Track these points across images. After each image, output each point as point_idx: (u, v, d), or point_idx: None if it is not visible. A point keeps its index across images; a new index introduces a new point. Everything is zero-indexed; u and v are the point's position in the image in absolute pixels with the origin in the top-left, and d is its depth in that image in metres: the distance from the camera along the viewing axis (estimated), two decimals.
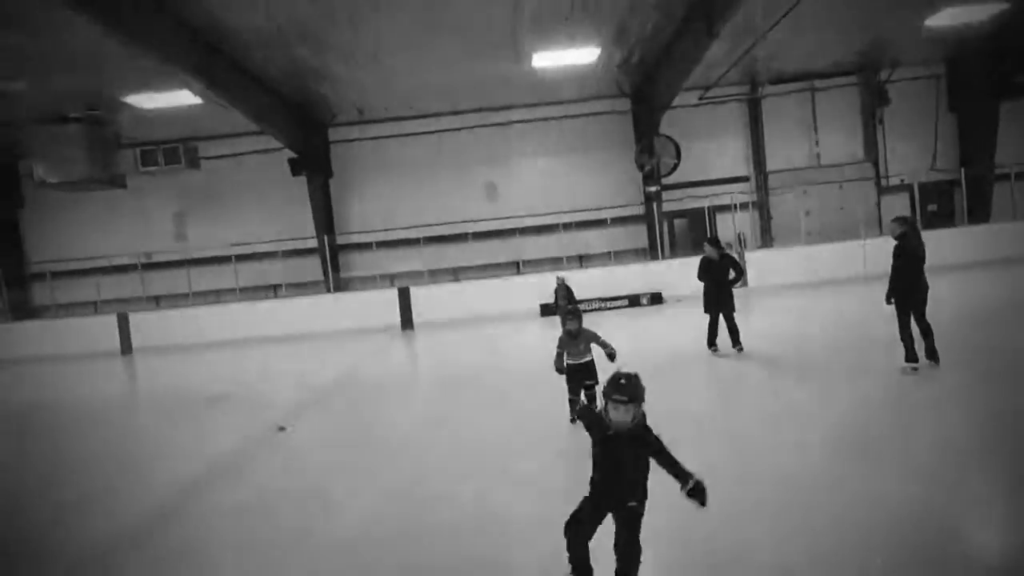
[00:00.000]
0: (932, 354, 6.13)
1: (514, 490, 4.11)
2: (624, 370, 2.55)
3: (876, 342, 7.31)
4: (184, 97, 12.25)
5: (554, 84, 14.74)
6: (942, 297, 7.06)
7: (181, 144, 14.55)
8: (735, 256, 9.27)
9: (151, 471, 5.61)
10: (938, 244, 14.13)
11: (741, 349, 7.78)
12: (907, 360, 6.12)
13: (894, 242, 6.26)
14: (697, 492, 2.42)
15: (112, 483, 5.33)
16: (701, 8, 11.11)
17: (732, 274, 7.89)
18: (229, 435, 6.54)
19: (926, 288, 6.16)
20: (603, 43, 12.50)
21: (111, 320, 15.29)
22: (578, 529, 2.56)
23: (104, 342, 15.06)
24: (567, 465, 4.27)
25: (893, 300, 6.19)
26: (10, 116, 13.61)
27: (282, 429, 6.47)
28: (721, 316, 7.91)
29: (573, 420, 5.24)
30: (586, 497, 2.59)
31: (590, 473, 2.61)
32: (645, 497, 2.54)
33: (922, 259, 6.15)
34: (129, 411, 9.12)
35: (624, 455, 2.49)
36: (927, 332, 6.14)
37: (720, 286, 7.85)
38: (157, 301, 16.76)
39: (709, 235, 8.92)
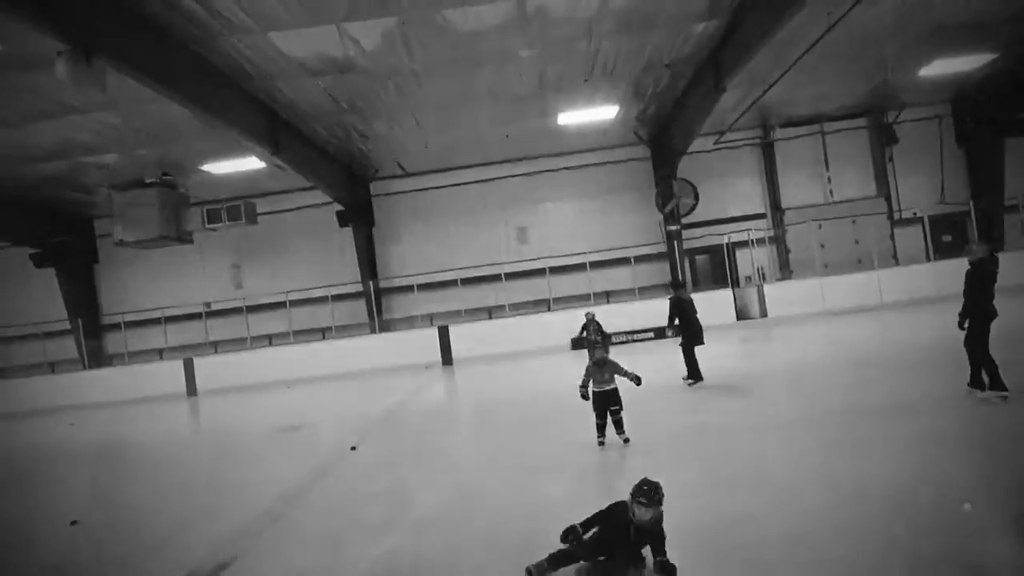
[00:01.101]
0: (988, 383, 5.84)
1: (546, 493, 5.00)
2: (649, 479, 3.20)
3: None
4: (251, 163, 13.87)
5: (578, 135, 16.08)
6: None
7: (242, 202, 16.11)
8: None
9: (252, 484, 6.62)
10: (955, 273, 15.02)
11: (693, 383, 8.35)
12: (992, 387, 5.78)
13: (967, 265, 5.97)
14: (667, 569, 3.09)
15: (222, 495, 6.37)
16: (708, 66, 12.32)
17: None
18: (310, 455, 7.57)
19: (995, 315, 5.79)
20: (621, 100, 13.81)
21: (178, 365, 16.69)
22: None
23: (172, 385, 16.42)
24: (593, 476, 5.20)
25: (967, 324, 5.82)
26: (96, 183, 15.42)
27: (353, 448, 7.51)
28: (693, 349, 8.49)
29: (601, 443, 5.80)
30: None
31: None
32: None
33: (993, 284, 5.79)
34: (214, 442, 10.19)
35: (639, 543, 3.22)
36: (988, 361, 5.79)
37: (691, 323, 8.56)
38: (215, 347, 18.17)
39: (675, 280, 9.77)
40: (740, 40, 10.76)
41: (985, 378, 5.84)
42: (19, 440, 12.21)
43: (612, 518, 3.26)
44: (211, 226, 16.16)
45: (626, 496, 3.26)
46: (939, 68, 13.62)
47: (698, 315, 8.72)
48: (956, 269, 14.72)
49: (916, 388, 6.85)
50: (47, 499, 7.09)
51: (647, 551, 3.26)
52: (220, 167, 14.30)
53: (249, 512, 5.43)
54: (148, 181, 15.37)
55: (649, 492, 3.13)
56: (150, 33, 8.48)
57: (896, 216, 17.54)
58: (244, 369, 16.47)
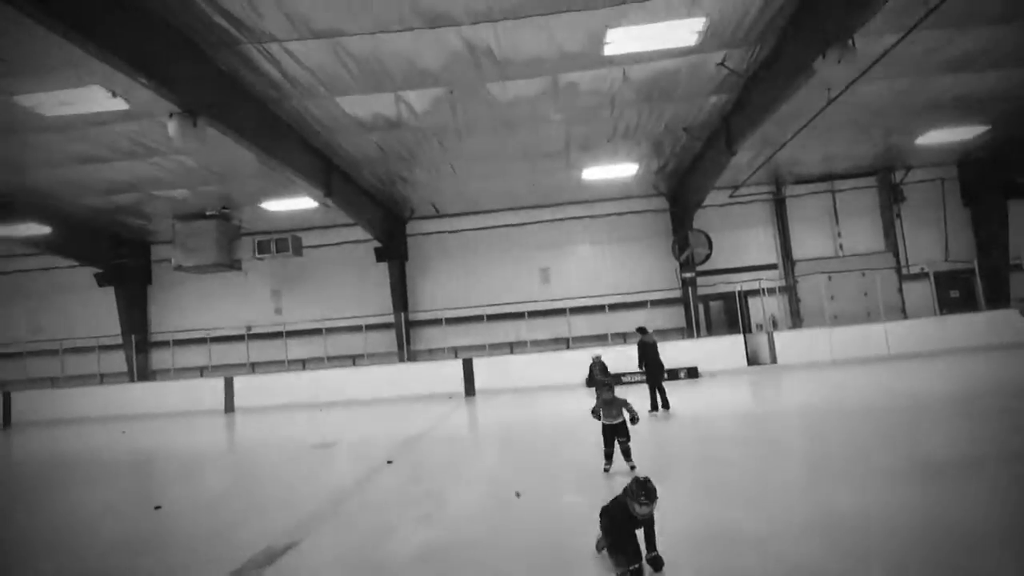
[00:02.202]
0: None
1: (560, 504, 6.00)
2: (642, 477, 3.76)
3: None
4: (303, 202, 15.37)
5: (601, 187, 17.36)
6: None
7: (290, 235, 17.63)
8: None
9: (301, 489, 7.62)
10: (963, 327, 15.78)
11: (657, 412, 9.99)
12: None
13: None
14: (659, 563, 3.73)
15: (272, 499, 7.43)
16: (722, 130, 13.53)
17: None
18: (351, 467, 8.62)
19: None
20: (640, 158, 15.10)
21: (218, 383, 17.97)
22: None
23: (211, 402, 17.68)
24: (595, 493, 6.18)
25: None
26: (159, 212, 17.02)
27: (390, 462, 8.54)
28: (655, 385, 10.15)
29: (606, 470, 6.62)
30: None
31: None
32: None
33: None
34: (257, 453, 11.25)
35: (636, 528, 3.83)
36: None
37: (654, 363, 10.07)
38: (253, 367, 19.43)
39: (641, 328, 11.09)
40: (748, 111, 11.96)
41: None
42: (90, 443, 13.43)
43: (614, 517, 3.85)
44: (260, 256, 17.68)
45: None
46: (935, 138, 14.74)
47: (660, 356, 10.30)
48: (964, 324, 15.63)
49: (928, 438, 7.16)
50: (133, 490, 8.26)
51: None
52: (276, 205, 15.86)
53: (303, 508, 6.46)
54: (208, 213, 17.01)
55: (649, 490, 3.67)
56: (239, 95, 9.99)
57: (904, 271, 18.34)
58: (279, 390, 17.65)
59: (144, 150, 12.38)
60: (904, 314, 17.95)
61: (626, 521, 3.77)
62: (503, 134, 13.00)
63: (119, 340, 19.68)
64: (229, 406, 17.68)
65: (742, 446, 7.64)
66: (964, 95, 12.83)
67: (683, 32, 8.98)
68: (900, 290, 18.31)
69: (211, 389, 17.93)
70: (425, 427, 11.97)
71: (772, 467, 6.55)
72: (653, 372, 10.21)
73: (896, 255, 18.45)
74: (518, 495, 6.47)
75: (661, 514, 3.97)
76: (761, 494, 5.39)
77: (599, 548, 4.12)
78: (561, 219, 19.27)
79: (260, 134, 10.70)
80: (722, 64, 10.53)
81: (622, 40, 9.04)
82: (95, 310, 19.92)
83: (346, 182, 14.91)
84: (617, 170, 15.42)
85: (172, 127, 8.50)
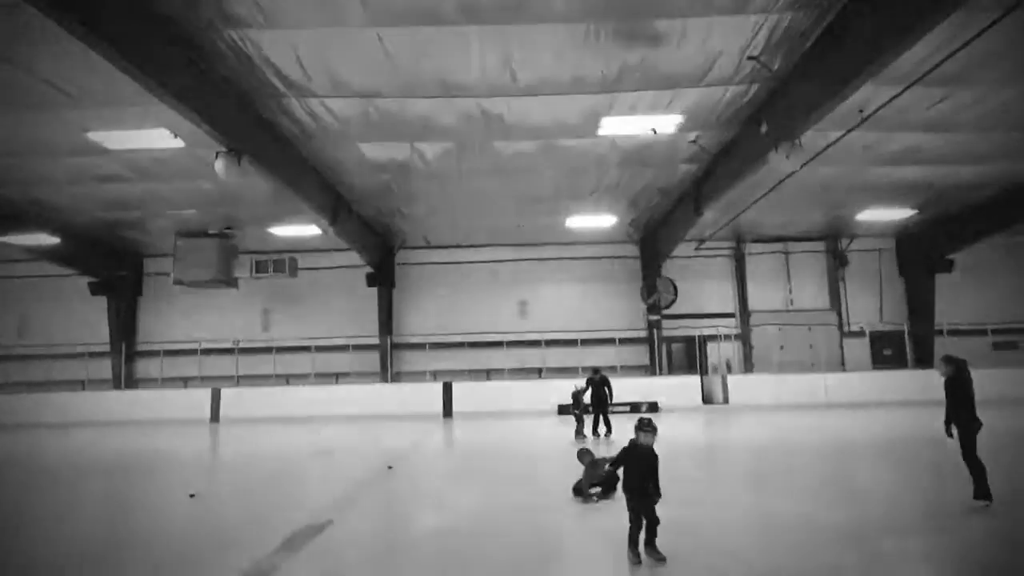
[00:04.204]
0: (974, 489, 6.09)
1: (535, 507, 7.33)
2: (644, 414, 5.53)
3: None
4: (308, 229, 16.56)
5: (580, 232, 19.02)
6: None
7: (287, 257, 18.67)
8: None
9: (312, 489, 8.67)
10: (893, 382, 17.72)
11: (599, 437, 12.04)
12: (977, 496, 6.04)
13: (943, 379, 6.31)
14: (658, 492, 4.68)
15: (284, 499, 8.52)
16: (691, 194, 15.34)
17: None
18: (352, 472, 9.67)
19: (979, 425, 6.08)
20: (619, 211, 16.84)
21: (205, 393, 18.64)
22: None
23: (196, 411, 18.31)
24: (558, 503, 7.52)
25: (956, 431, 6.11)
26: (162, 228, 17.85)
27: (390, 468, 9.69)
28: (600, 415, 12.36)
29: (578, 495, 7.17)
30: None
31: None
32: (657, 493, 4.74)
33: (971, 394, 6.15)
34: (267, 457, 12.05)
35: (645, 465, 4.74)
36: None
37: (600, 396, 12.35)
38: (237, 380, 20.10)
39: (593, 368, 13.25)
40: (715, 180, 13.77)
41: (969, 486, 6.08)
42: (103, 446, 14.04)
43: (631, 453, 4.83)
44: (258, 275, 18.64)
45: None
46: (873, 215, 16.99)
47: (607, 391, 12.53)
48: (894, 379, 17.56)
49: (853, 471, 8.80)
50: (164, 482, 9.19)
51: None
52: (281, 230, 17.09)
53: (324, 500, 7.58)
54: (211, 232, 17.98)
55: (650, 422, 4.78)
56: (274, 137, 11.30)
57: (845, 328, 20.41)
58: (264, 403, 18.43)
59: (169, 174, 13.44)
60: (843, 367, 19.93)
61: (632, 456, 4.75)
62: (499, 181, 14.51)
63: (106, 348, 20.16)
64: (215, 416, 18.34)
65: (701, 467, 9.12)
66: (896, 183, 14.98)
67: (664, 123, 10.81)
68: (841, 345, 20.33)
69: (197, 399, 18.57)
70: (412, 441, 13.08)
71: (722, 482, 7.99)
72: (602, 404, 12.46)
73: (839, 313, 20.53)
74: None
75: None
76: (716, 500, 6.83)
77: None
78: (541, 258, 20.84)
79: (286, 170, 11.96)
80: (694, 141, 12.33)
81: (614, 125, 10.83)
82: (85, 318, 20.40)
83: (349, 213, 16.17)
84: (597, 220, 17.19)
85: (219, 165, 9.71)
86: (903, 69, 9.26)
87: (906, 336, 19.44)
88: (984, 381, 6.89)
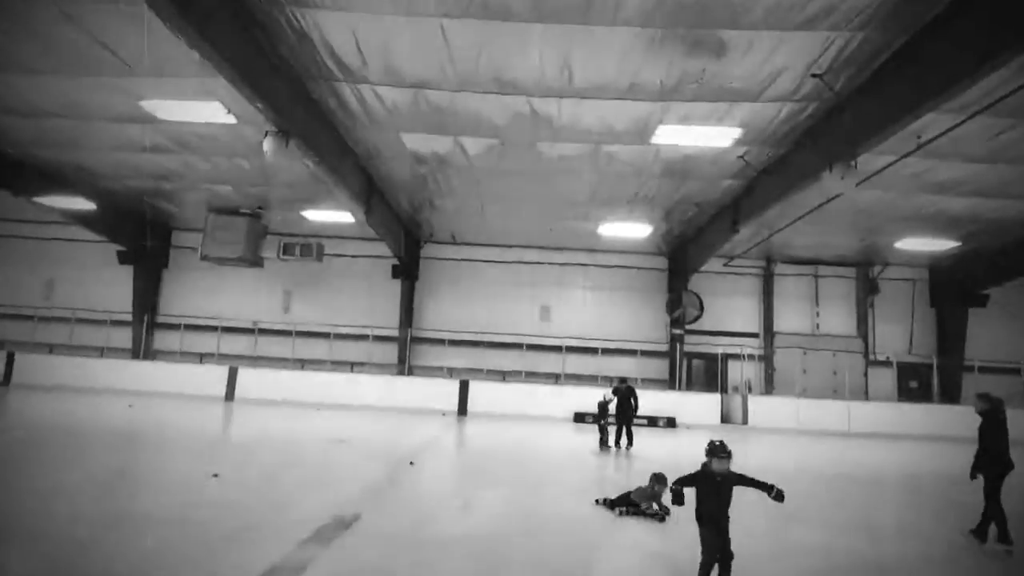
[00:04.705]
0: (997, 535, 6.03)
1: (562, 515, 7.18)
2: (716, 439, 4.35)
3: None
4: (339, 215, 16.51)
5: (610, 240, 18.83)
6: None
7: (315, 241, 18.66)
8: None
9: (336, 479, 8.55)
10: (918, 415, 17.39)
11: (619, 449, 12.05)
12: (1000, 540, 5.96)
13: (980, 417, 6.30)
14: (778, 495, 4.20)
15: (308, 487, 8.44)
16: (729, 209, 15.13)
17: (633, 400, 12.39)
18: (373, 465, 9.58)
19: (1010, 467, 6.02)
20: (653, 221, 16.62)
21: (222, 371, 18.65)
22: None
23: (212, 388, 18.32)
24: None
25: (981, 475, 6.09)
26: (196, 201, 17.90)
27: (412, 463, 9.58)
28: (624, 426, 12.20)
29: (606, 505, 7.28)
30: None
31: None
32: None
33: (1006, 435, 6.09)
34: (277, 443, 12.04)
35: (724, 492, 4.26)
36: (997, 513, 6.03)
37: (626, 407, 12.24)
38: (254, 360, 20.11)
39: (620, 378, 13.11)
40: (757, 197, 13.55)
41: (993, 529, 6.04)
42: (121, 415, 14.07)
43: (704, 476, 4.34)
44: (285, 257, 18.66)
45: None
46: (911, 244, 16.65)
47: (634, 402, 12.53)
48: (919, 412, 17.23)
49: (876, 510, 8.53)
50: (184, 459, 9.15)
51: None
52: (313, 214, 17.05)
53: (349, 492, 7.48)
54: (242, 211, 18.01)
55: (723, 445, 4.26)
56: (321, 121, 11.24)
57: (871, 357, 20.05)
58: (279, 386, 18.39)
59: (211, 149, 13.43)
60: (867, 396, 19.59)
61: (707, 483, 4.25)
62: (537, 182, 14.35)
63: (128, 318, 20.27)
64: (230, 395, 18.35)
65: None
66: (940, 213, 14.66)
67: (722, 137, 10.64)
68: (865, 374, 19.98)
69: (214, 376, 18.59)
70: (431, 437, 12.98)
71: (750, 509, 7.80)
72: (628, 414, 12.34)
73: (865, 341, 20.18)
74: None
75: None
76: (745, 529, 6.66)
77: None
78: (567, 263, 20.68)
79: (327, 155, 11.88)
80: (742, 157, 12.12)
81: (670, 134, 10.64)
82: (110, 286, 20.52)
83: (382, 202, 16.11)
84: (630, 229, 16.96)
85: (268, 145, 9.65)
86: (966, 98, 9.02)
87: (934, 369, 19.06)
88: (1015, 421, 6.80)
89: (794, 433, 16.98)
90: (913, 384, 20.02)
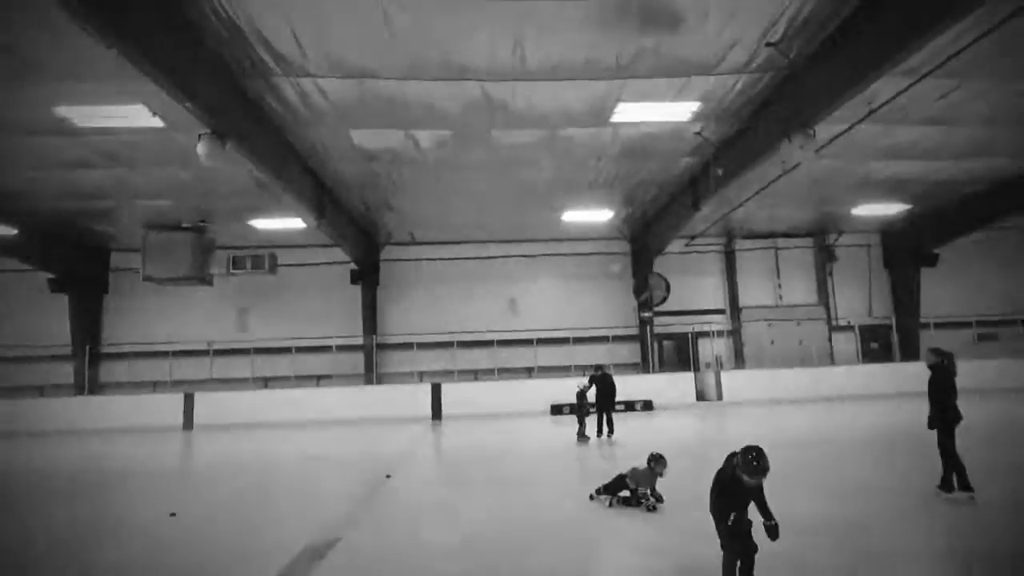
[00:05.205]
0: (956, 484, 6.20)
1: (525, 509, 6.84)
2: (754, 447, 3.65)
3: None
4: (290, 222, 15.69)
5: (574, 228, 18.57)
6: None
7: (267, 252, 17.73)
8: None
9: (308, 503, 7.89)
10: (881, 375, 17.78)
11: (610, 436, 11.64)
12: (961, 488, 6.14)
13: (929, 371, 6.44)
14: (773, 530, 3.63)
15: (279, 515, 7.85)
16: (690, 188, 15.06)
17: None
18: (348, 482, 9.02)
19: (959, 418, 6.18)
20: (615, 205, 16.43)
21: (176, 398, 17.56)
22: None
23: (168, 418, 17.20)
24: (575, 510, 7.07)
25: (937, 427, 6.25)
26: (131, 220, 16.76)
27: (388, 476, 9.06)
28: (604, 414, 11.78)
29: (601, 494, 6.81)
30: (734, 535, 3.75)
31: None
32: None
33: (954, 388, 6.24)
34: (243, 470, 11.27)
35: (747, 498, 3.76)
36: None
37: (606, 395, 11.75)
38: (211, 384, 19.02)
39: (596, 365, 12.56)
40: (715, 174, 13.49)
41: (954, 480, 6.21)
42: (66, 458, 12.98)
43: (724, 488, 3.81)
44: (235, 271, 17.67)
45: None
46: (866, 210, 16.96)
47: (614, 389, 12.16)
48: (881, 372, 17.60)
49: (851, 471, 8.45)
50: (138, 499, 8.39)
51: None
52: (262, 223, 16.15)
53: (324, 515, 6.94)
54: (184, 225, 16.94)
55: (759, 456, 3.60)
56: (260, 120, 10.51)
57: (833, 323, 20.46)
58: (241, 408, 17.44)
59: (141, 159, 12.48)
60: (832, 361, 19.97)
61: (735, 493, 3.71)
62: (495, 173, 13.94)
63: (68, 351, 18.88)
64: (188, 423, 17.31)
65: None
66: (891, 177, 14.95)
67: (681, 111, 10.45)
68: (830, 339, 20.38)
69: (169, 405, 17.50)
70: (406, 446, 12.43)
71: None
72: (608, 403, 11.95)
73: (827, 308, 20.58)
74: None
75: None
76: None
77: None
78: (532, 255, 20.33)
79: (270, 157, 11.16)
80: (698, 133, 11.99)
81: (629, 111, 10.38)
82: (43, 317, 19.05)
83: (335, 205, 15.39)
84: (593, 214, 16.74)
85: (202, 147, 8.92)
86: (915, 61, 9.05)
87: (893, 329, 19.56)
88: (968, 373, 6.94)
89: (768, 404, 17.12)
90: (874, 345, 20.52)
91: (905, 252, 20.12)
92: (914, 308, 19.91)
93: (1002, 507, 6.09)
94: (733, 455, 3.76)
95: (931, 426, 6.27)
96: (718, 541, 3.88)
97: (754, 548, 3.72)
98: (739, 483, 3.69)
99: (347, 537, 5.96)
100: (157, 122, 9.94)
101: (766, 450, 3.70)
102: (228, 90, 9.33)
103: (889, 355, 19.91)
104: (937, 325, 19.38)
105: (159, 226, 16.91)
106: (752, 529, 3.79)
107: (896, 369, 18.31)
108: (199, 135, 9.11)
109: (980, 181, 15.75)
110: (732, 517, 3.69)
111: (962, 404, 6.27)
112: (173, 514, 7.16)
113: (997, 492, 6.40)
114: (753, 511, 3.81)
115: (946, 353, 6.37)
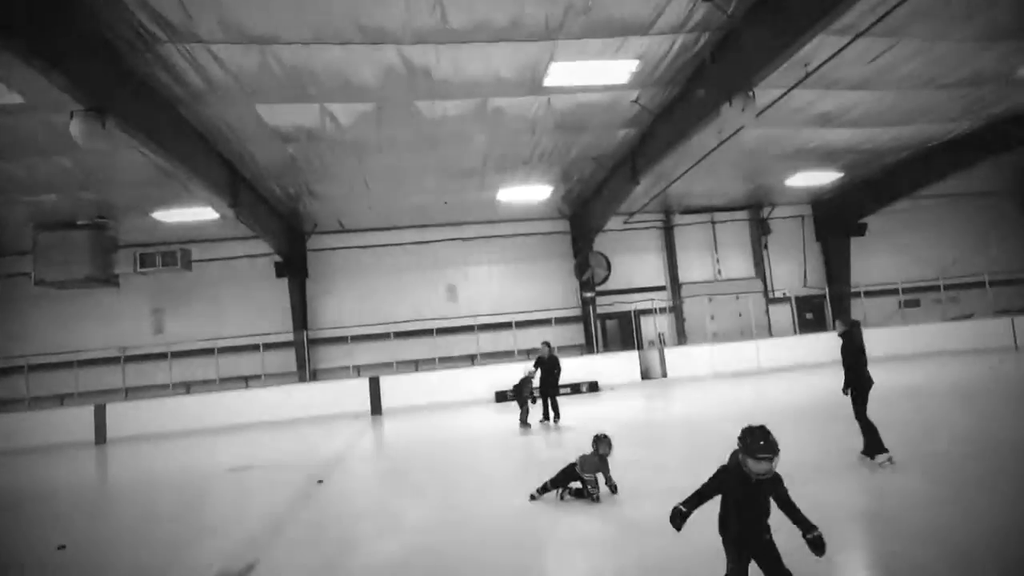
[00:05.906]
0: (865, 446, 6.38)
1: (498, 515, 6.27)
2: (755, 425, 2.94)
3: None
4: (202, 213, 14.29)
5: (509, 207, 17.91)
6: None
7: (178, 248, 16.22)
8: None
9: (226, 519, 7.04)
10: (817, 344, 18.12)
11: (556, 422, 11.16)
12: (876, 451, 6.25)
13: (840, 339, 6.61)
14: (817, 543, 2.80)
15: (190, 535, 6.94)
16: (627, 162, 14.67)
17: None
18: (281, 489, 8.16)
19: (870, 383, 6.40)
20: (552, 182, 15.88)
21: (86, 411, 15.90)
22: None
23: (78, 433, 15.55)
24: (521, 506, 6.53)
25: (851, 391, 6.43)
26: (18, 220, 14.92)
27: (320, 482, 8.24)
28: (550, 398, 11.24)
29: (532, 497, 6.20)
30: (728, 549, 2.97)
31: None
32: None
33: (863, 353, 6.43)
34: (177, 479, 10.02)
35: (762, 499, 2.91)
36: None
37: (550, 375, 11.21)
38: (126, 393, 17.39)
39: (545, 341, 11.98)
40: (652, 146, 13.13)
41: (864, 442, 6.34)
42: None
43: (728, 480, 3.04)
44: (143, 270, 16.11)
45: None
46: (800, 180, 17.12)
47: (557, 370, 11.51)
48: (816, 342, 17.93)
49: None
50: (26, 531, 7.23)
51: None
52: (169, 216, 14.61)
53: (242, 532, 6.11)
54: (80, 223, 15.23)
55: (767, 437, 2.89)
56: (150, 96, 9.25)
57: (770, 295, 20.78)
58: (160, 417, 15.99)
59: (15, 147, 10.91)
60: (770, 333, 20.30)
61: (740, 487, 2.97)
62: (424, 151, 13.08)
63: None
64: (100, 437, 15.70)
65: (668, 448, 8.38)
66: (822, 146, 15.05)
67: (618, 72, 9.86)
68: (767, 312, 20.70)
69: (78, 419, 15.81)
70: (342, 447, 11.57)
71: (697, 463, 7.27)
72: (552, 385, 11.35)
73: (764, 280, 20.86)
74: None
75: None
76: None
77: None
78: (469, 238, 19.57)
79: (168, 139, 9.92)
80: (636, 101, 11.53)
81: (563, 73, 9.72)
82: None
83: (251, 193, 14.14)
84: (530, 192, 16.10)
85: (75, 127, 7.69)
86: (849, 18, 8.83)
87: (826, 299, 20.03)
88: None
89: (712, 378, 17.16)
90: (809, 316, 21.00)
91: (836, 223, 20.59)
92: (845, 278, 20.45)
93: (917, 466, 6.21)
94: (736, 452, 3.03)
95: (845, 391, 6.51)
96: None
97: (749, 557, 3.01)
98: (748, 480, 2.94)
99: (267, 557, 5.17)
100: (15, 97, 8.53)
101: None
102: (103, 61, 8.08)
103: (823, 325, 20.39)
104: (868, 293, 19.98)
105: (50, 224, 15.16)
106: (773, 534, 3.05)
107: (830, 338, 18.53)
108: (71, 112, 7.86)
109: (907, 148, 16.10)
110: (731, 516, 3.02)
111: (878, 370, 6.51)
112: (62, 546, 6.12)
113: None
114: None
115: (854, 321, 6.70)
